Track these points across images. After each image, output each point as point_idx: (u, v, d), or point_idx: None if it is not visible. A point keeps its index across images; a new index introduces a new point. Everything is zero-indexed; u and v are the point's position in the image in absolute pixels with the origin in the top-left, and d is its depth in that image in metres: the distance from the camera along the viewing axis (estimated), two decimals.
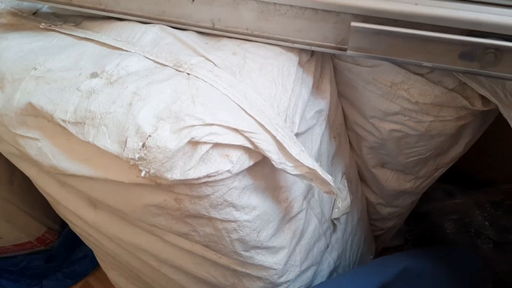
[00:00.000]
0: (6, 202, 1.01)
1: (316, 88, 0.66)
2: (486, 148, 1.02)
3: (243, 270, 0.64)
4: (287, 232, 0.64)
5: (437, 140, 0.73)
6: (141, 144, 0.49)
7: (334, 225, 0.79)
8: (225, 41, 0.62)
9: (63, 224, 1.20)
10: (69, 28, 0.69)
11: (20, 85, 0.60)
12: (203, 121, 0.50)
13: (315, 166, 0.53)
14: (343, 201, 0.76)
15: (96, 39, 0.64)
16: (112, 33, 0.65)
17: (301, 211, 0.65)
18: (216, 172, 0.51)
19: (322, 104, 0.67)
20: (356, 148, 0.84)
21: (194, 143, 0.50)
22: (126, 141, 0.50)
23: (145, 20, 0.64)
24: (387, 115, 0.71)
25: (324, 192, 0.56)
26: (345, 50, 0.56)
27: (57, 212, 0.85)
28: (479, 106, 0.65)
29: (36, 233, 1.15)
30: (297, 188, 0.64)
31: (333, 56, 0.69)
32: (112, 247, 0.79)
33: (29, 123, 0.60)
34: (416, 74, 0.64)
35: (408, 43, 0.52)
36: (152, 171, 0.49)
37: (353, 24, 0.52)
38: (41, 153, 0.60)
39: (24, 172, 0.74)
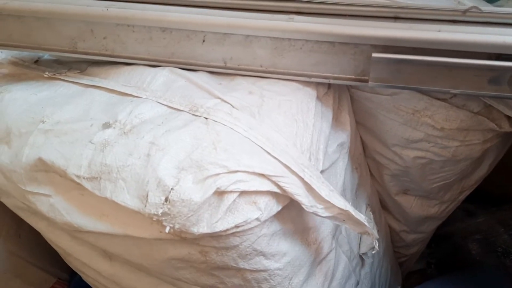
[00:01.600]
0: (14, 256, 0.97)
1: (336, 120, 0.64)
2: (503, 163, 1.00)
3: None
4: (319, 276, 0.60)
5: (462, 164, 0.70)
6: (163, 198, 0.46)
7: (363, 260, 0.75)
8: (239, 79, 0.60)
9: (72, 273, 1.16)
10: (74, 76, 0.67)
11: (28, 140, 0.58)
12: (227, 168, 0.47)
13: (348, 207, 0.50)
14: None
15: (104, 86, 0.62)
16: (120, 78, 0.63)
17: (331, 251, 0.62)
18: (244, 221, 0.48)
19: (343, 136, 0.64)
20: (377, 176, 0.82)
21: (220, 193, 0.47)
22: (147, 196, 0.47)
23: (154, 63, 0.62)
24: (410, 143, 0.68)
25: (358, 232, 0.53)
26: (366, 81, 0.54)
27: (67, 263, 0.81)
28: (506, 127, 0.63)
29: (45, 285, 1.10)
30: (325, 227, 0.61)
31: (349, 86, 0.67)
32: None
33: (39, 178, 0.57)
34: (439, 99, 0.62)
35: (432, 70, 0.50)
36: (177, 226, 0.46)
37: (375, 55, 0.50)
38: (53, 210, 0.57)
39: (32, 226, 0.71)
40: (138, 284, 0.68)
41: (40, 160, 0.55)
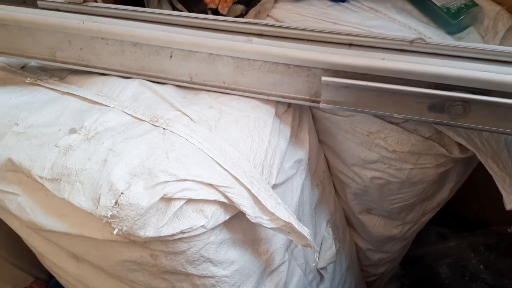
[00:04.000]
0: None
1: (295, 138, 0.67)
2: (478, 189, 1.01)
3: None
4: (269, 286, 0.63)
5: (419, 186, 0.73)
6: (113, 201, 0.49)
7: (321, 275, 0.77)
8: (203, 94, 0.63)
9: (50, 273, 1.18)
10: (53, 83, 0.70)
11: (1, 141, 0.61)
12: (177, 176, 0.50)
13: (291, 219, 0.53)
14: (328, 250, 0.75)
15: (78, 94, 0.66)
16: (94, 87, 0.67)
17: (283, 263, 0.64)
18: (190, 228, 0.50)
19: (301, 153, 0.67)
20: (342, 194, 0.84)
21: (167, 199, 0.49)
22: (99, 199, 0.50)
23: (126, 75, 0.66)
24: (367, 163, 0.71)
25: (301, 245, 0.55)
26: (318, 102, 0.57)
27: (42, 264, 0.84)
28: (456, 153, 0.65)
29: (22, 284, 1.12)
30: (278, 240, 0.63)
31: (311, 106, 0.71)
32: None
33: (9, 178, 0.60)
34: (392, 123, 0.65)
35: (378, 96, 0.53)
36: (124, 228, 0.49)
37: (324, 78, 0.54)
38: (20, 208, 0.60)
39: (8, 224, 0.73)
40: (103, 286, 0.70)
41: (10, 160, 0.58)
